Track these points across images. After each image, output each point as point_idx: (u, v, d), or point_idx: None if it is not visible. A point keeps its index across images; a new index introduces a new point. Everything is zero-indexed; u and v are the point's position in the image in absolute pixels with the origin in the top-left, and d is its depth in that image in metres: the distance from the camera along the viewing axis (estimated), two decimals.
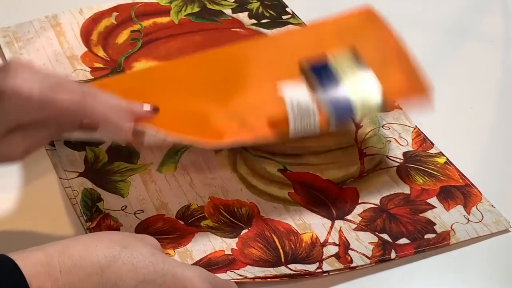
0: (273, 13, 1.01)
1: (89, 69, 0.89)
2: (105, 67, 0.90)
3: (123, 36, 0.95)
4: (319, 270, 0.67)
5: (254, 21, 0.99)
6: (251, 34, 0.96)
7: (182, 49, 0.93)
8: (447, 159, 0.80)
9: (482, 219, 0.73)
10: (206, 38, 0.95)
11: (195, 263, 0.68)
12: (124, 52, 0.92)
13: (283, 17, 1.00)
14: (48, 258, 0.54)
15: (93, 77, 0.88)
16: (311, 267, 0.68)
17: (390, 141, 0.82)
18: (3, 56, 0.91)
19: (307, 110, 0.71)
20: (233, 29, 0.97)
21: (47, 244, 0.56)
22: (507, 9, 1.03)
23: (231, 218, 0.73)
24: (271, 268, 0.67)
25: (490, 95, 0.90)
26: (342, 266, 0.68)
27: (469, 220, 0.73)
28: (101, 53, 0.92)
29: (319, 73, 0.74)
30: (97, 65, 0.90)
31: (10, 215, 0.72)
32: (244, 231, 0.72)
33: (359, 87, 0.73)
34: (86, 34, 0.95)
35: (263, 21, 0.99)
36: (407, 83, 0.75)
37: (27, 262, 0.54)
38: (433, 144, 0.82)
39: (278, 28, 0.97)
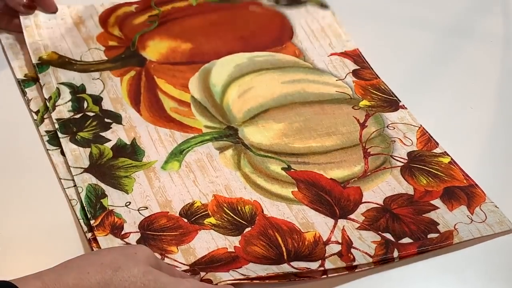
0: None
1: (103, 48, 0.90)
2: (119, 45, 0.91)
3: (141, 19, 0.96)
4: (321, 268, 0.68)
5: (272, 3, 0.99)
6: (269, 13, 0.97)
7: (197, 28, 0.94)
8: (452, 159, 0.80)
9: (485, 220, 0.73)
10: (222, 16, 0.96)
11: (198, 260, 0.68)
12: (139, 30, 0.92)
13: None
14: (45, 287, 0.56)
15: (106, 58, 0.89)
16: (314, 265, 0.68)
17: (395, 141, 0.82)
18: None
19: None
20: (250, 9, 0.98)
21: (41, 272, 0.57)
22: (507, 9, 1.03)
23: (234, 216, 0.73)
24: (274, 266, 0.68)
25: (490, 95, 0.90)
26: (344, 265, 0.68)
27: (472, 220, 0.73)
28: (116, 32, 0.93)
29: None
30: (111, 43, 0.91)
31: (10, 217, 0.72)
32: (247, 229, 0.72)
33: None
34: (104, 18, 0.95)
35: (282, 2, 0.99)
36: None
37: None
38: (437, 143, 0.82)
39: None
